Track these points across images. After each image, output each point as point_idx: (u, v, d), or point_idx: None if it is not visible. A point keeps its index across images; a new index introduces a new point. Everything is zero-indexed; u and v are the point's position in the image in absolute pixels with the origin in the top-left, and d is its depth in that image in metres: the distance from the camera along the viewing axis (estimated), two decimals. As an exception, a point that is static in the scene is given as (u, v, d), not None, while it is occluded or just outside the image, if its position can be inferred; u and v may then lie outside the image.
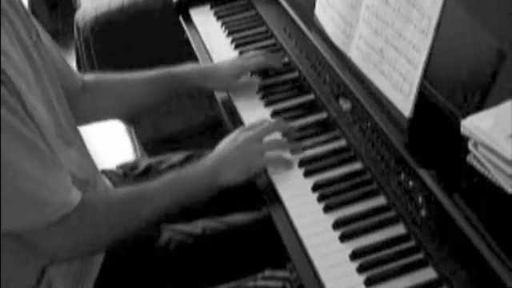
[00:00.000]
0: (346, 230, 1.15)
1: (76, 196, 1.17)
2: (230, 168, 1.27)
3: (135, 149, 2.72)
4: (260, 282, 1.33)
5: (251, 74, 1.57)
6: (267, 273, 1.34)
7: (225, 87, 1.55)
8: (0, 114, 1.05)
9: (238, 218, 1.47)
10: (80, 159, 1.33)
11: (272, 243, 1.22)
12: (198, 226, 1.44)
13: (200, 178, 1.28)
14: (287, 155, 1.32)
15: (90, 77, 1.52)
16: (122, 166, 1.61)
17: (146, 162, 1.64)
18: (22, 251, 1.21)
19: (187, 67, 1.56)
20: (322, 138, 1.36)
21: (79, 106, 1.46)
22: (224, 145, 1.32)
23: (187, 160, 1.61)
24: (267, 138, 1.33)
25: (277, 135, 1.35)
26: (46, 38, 1.37)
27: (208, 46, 1.74)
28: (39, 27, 1.35)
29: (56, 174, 1.15)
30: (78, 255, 1.27)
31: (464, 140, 1.05)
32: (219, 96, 1.57)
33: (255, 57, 1.56)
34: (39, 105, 1.20)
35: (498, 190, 1.00)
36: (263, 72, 1.57)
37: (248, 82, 1.55)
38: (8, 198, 1.08)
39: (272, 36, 1.68)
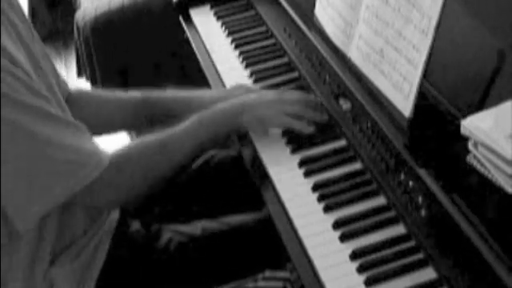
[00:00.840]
0: (346, 229, 1.15)
1: (106, 155, 1.22)
2: (251, 114, 1.33)
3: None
4: (260, 283, 1.33)
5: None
6: (267, 273, 1.34)
7: None
8: (26, 100, 1.11)
9: (238, 218, 1.47)
10: None
11: (272, 243, 1.22)
12: (198, 227, 1.44)
13: (220, 123, 1.34)
14: (287, 155, 1.33)
15: (74, 90, 1.52)
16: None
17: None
18: (25, 252, 1.21)
19: (167, 94, 1.53)
20: (322, 137, 1.36)
21: None
22: (251, 94, 1.38)
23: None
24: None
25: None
26: (39, 43, 1.36)
27: (208, 46, 1.74)
28: (34, 33, 1.36)
29: (85, 138, 1.22)
30: (124, 202, 1.34)
31: (464, 140, 1.05)
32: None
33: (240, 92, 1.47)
34: None
35: (498, 190, 1.00)
36: (264, 76, 1.57)
37: None
38: (49, 172, 1.15)
39: (272, 36, 1.68)
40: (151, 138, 1.32)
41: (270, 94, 1.39)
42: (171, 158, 1.30)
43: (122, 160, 1.26)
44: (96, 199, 1.25)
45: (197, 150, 1.33)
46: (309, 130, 1.34)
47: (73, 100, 1.48)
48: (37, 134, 1.14)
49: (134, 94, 1.53)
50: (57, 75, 1.43)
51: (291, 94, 1.40)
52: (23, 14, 1.31)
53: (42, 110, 1.15)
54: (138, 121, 1.54)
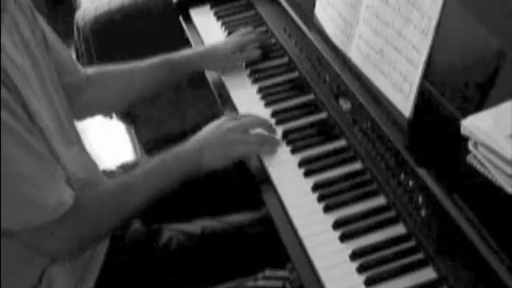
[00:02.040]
0: (346, 229, 1.15)
1: (70, 195, 1.18)
2: (211, 153, 1.31)
3: (135, 149, 2.72)
4: (260, 282, 1.33)
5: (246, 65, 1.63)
6: (267, 272, 1.34)
7: (226, 65, 1.60)
8: (0, 116, 1.06)
9: (238, 217, 1.47)
10: (82, 158, 1.34)
11: (272, 243, 1.22)
12: (197, 226, 1.44)
13: (184, 162, 1.31)
14: (287, 155, 1.33)
15: (93, 70, 1.55)
16: (122, 166, 1.61)
17: (146, 162, 1.64)
18: (23, 250, 1.21)
19: (186, 51, 1.59)
20: (322, 137, 1.36)
21: (84, 99, 1.49)
22: (208, 130, 1.35)
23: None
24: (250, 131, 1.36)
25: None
26: (52, 36, 1.39)
27: (208, 46, 1.74)
28: (47, 27, 1.37)
29: (52, 175, 1.16)
30: (79, 249, 1.29)
31: (464, 140, 1.05)
32: (220, 99, 1.57)
33: (248, 33, 1.63)
34: (41, 106, 1.20)
35: (498, 190, 1.00)
36: (264, 75, 1.58)
37: (246, 56, 1.61)
38: (6, 197, 1.10)
39: (272, 36, 1.68)
40: (112, 182, 1.32)
41: (225, 125, 1.34)
42: (131, 201, 1.28)
43: (80, 205, 1.20)
44: (48, 241, 1.19)
45: (160, 191, 1.30)
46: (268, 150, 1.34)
47: (94, 81, 1.52)
48: (10, 160, 1.09)
49: (152, 60, 1.56)
50: (73, 62, 1.47)
51: (246, 118, 1.38)
52: (32, 11, 1.31)
53: (21, 138, 1.11)
54: (167, 83, 1.59)
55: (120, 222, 1.30)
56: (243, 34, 1.64)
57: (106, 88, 1.54)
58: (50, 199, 1.15)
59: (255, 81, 1.58)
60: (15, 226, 1.15)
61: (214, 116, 1.43)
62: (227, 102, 1.55)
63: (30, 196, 1.13)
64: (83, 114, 1.53)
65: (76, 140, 1.36)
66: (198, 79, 1.78)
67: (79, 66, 1.51)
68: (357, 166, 1.27)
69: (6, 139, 1.08)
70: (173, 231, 1.43)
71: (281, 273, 1.32)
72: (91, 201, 1.24)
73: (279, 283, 1.31)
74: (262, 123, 1.37)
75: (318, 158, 1.31)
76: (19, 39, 1.21)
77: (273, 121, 1.43)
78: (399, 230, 1.13)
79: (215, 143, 1.32)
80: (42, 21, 1.36)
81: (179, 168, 1.31)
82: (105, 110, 1.66)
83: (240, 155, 1.34)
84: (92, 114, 1.58)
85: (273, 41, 1.68)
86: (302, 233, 1.17)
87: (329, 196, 1.22)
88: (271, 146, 1.34)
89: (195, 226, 1.44)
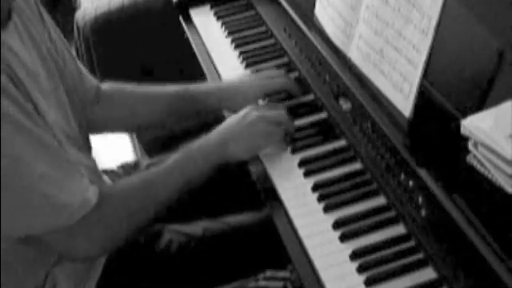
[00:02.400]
0: (346, 229, 1.15)
1: (94, 193, 1.16)
2: (237, 144, 1.28)
3: (135, 149, 2.72)
4: (261, 283, 1.33)
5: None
6: (268, 273, 1.34)
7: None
8: (17, 118, 1.05)
9: (239, 218, 1.47)
10: (90, 165, 1.33)
11: (273, 243, 1.22)
12: (198, 227, 1.44)
13: (209, 155, 1.27)
14: (287, 154, 1.33)
15: (105, 85, 1.49)
16: (123, 166, 1.62)
17: (146, 161, 1.64)
18: (31, 252, 1.21)
19: (205, 86, 1.50)
20: (322, 137, 1.36)
21: (92, 114, 1.45)
22: (234, 120, 1.31)
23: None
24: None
25: None
26: (61, 40, 1.36)
27: (208, 46, 1.74)
28: (55, 28, 1.35)
29: (73, 174, 1.14)
30: (104, 251, 1.27)
31: (464, 140, 1.05)
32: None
33: (278, 77, 1.48)
34: (51, 108, 1.19)
35: (498, 190, 1.00)
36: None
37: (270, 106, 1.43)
38: (28, 202, 1.08)
39: (272, 36, 1.68)
40: (135, 177, 1.27)
41: (250, 115, 1.30)
42: (157, 197, 1.24)
43: (104, 202, 1.17)
44: (75, 242, 1.16)
45: (187, 185, 1.26)
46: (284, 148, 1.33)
47: (104, 98, 1.46)
48: (31, 164, 1.07)
49: (169, 87, 1.48)
50: (79, 70, 1.41)
51: (272, 110, 1.34)
52: (39, 12, 1.30)
53: (40, 140, 1.09)
54: (179, 115, 1.50)
55: (145, 221, 1.24)
56: (272, 76, 1.48)
57: (114, 108, 1.47)
58: (74, 199, 1.12)
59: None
60: (39, 230, 1.12)
61: (215, 117, 1.42)
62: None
63: (51, 196, 1.09)
64: (90, 130, 1.45)
65: (84, 147, 1.35)
66: (198, 79, 1.77)
67: (89, 79, 1.45)
68: (357, 166, 1.27)
69: (25, 140, 1.06)
70: (174, 232, 1.43)
71: (282, 273, 1.33)
72: (115, 196, 1.21)
73: (280, 284, 1.31)
74: (287, 120, 1.34)
75: (318, 158, 1.31)
76: (27, 36, 1.20)
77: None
78: (399, 230, 1.13)
79: (240, 134, 1.28)
80: (49, 21, 1.33)
81: (204, 159, 1.27)
82: (111, 129, 1.56)
83: (266, 147, 1.31)
84: (98, 131, 1.51)
85: (273, 40, 1.68)
86: (302, 233, 1.17)
87: (329, 196, 1.22)
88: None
89: (196, 227, 1.44)
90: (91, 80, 1.46)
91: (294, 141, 1.36)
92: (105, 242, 1.20)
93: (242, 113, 1.32)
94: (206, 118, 1.49)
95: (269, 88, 1.45)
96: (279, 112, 1.34)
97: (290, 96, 1.49)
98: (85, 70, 1.45)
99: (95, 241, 1.18)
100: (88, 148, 1.37)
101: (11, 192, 1.07)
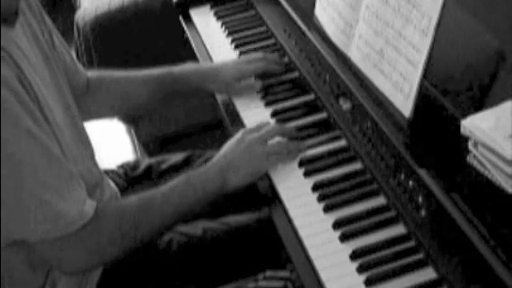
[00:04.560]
0: (346, 229, 1.15)
1: (91, 206, 1.16)
2: (236, 172, 1.27)
3: (135, 149, 2.72)
4: (261, 283, 1.33)
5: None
6: (268, 273, 1.34)
7: (225, 90, 1.53)
8: (27, 125, 1.06)
9: (239, 218, 1.47)
10: (89, 162, 1.33)
11: (273, 243, 1.22)
12: (198, 227, 1.44)
13: (209, 185, 1.27)
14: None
15: (92, 74, 1.53)
16: (123, 166, 1.62)
17: (146, 161, 1.64)
18: (31, 257, 1.21)
19: (187, 67, 1.55)
20: (322, 137, 1.36)
21: (84, 103, 1.47)
22: (229, 147, 1.32)
23: (187, 160, 1.61)
24: (270, 141, 1.32)
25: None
26: (56, 36, 1.38)
27: (208, 46, 1.74)
28: (51, 26, 1.37)
29: (73, 184, 1.14)
30: (92, 266, 1.26)
31: (464, 140, 1.05)
32: (219, 96, 1.57)
33: (257, 60, 1.53)
34: (56, 106, 1.20)
35: (498, 190, 1.00)
36: (264, 75, 1.57)
37: (249, 86, 1.53)
38: (25, 206, 1.08)
39: (272, 36, 1.68)
40: (134, 197, 1.27)
41: (247, 138, 1.31)
42: (153, 219, 1.24)
43: (100, 216, 1.18)
44: (65, 254, 1.16)
45: (183, 211, 1.27)
46: (303, 148, 1.33)
47: (93, 86, 1.50)
48: (31, 169, 1.08)
49: (153, 70, 1.53)
50: (75, 64, 1.44)
51: (267, 129, 1.34)
52: (40, 13, 1.31)
53: (46, 148, 1.10)
54: (164, 96, 1.55)
55: (136, 242, 1.24)
56: (251, 60, 1.54)
57: (104, 94, 1.51)
58: (71, 209, 1.12)
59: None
60: (34, 236, 1.12)
61: (215, 117, 1.43)
62: (227, 103, 1.54)
63: (50, 203, 1.10)
64: (85, 118, 1.51)
65: (86, 142, 1.36)
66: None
67: (81, 69, 1.49)
68: (357, 166, 1.27)
69: (28, 145, 1.07)
70: (173, 233, 1.43)
71: (282, 273, 1.32)
72: (111, 213, 1.21)
73: (280, 284, 1.31)
74: (283, 132, 1.34)
75: (318, 158, 1.31)
76: (31, 35, 1.21)
77: (273, 121, 1.43)
78: (399, 230, 1.13)
79: (239, 161, 1.28)
80: (47, 20, 1.35)
81: (203, 189, 1.27)
82: (102, 115, 1.60)
83: (266, 169, 1.30)
84: (90, 118, 1.54)
85: (273, 40, 1.68)
86: (302, 233, 1.17)
87: (329, 196, 1.22)
88: (296, 152, 1.32)
89: (196, 228, 1.44)
90: (83, 72, 1.49)
91: (294, 141, 1.36)
92: (94, 257, 1.21)
93: (234, 140, 1.32)
94: (188, 96, 1.62)
95: (246, 70, 1.52)
96: (269, 128, 1.34)
97: (290, 96, 1.49)
98: (78, 64, 1.48)
99: (85, 255, 1.19)
100: (88, 144, 1.38)
101: (11, 194, 1.07)
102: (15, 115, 1.05)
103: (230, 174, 1.27)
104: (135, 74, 1.54)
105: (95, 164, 1.39)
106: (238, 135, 1.33)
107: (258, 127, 1.35)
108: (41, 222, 1.11)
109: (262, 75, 1.57)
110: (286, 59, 1.58)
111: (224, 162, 1.29)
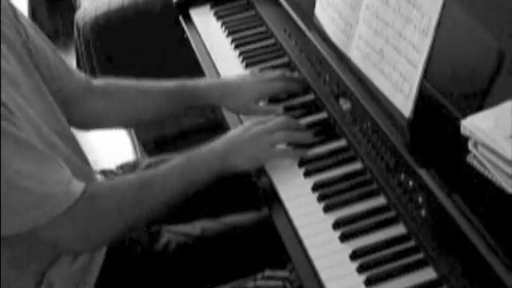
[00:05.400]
0: (346, 229, 1.15)
1: (77, 187, 1.15)
2: (239, 154, 1.27)
3: (135, 149, 2.72)
4: (260, 282, 1.33)
5: None
6: (267, 273, 1.34)
7: (242, 111, 1.47)
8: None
9: (238, 218, 1.47)
10: (78, 164, 1.33)
11: (272, 243, 1.22)
12: (197, 227, 1.44)
13: (210, 162, 1.27)
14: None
15: (98, 81, 1.49)
16: (122, 166, 1.61)
17: (146, 162, 1.64)
18: (19, 257, 1.21)
19: (205, 83, 1.50)
20: (322, 137, 1.36)
21: (86, 108, 1.45)
22: (236, 131, 1.31)
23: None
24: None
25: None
26: (41, 37, 1.34)
27: (208, 46, 1.74)
28: (32, 25, 1.32)
29: (52, 167, 1.13)
30: (93, 246, 1.26)
31: (464, 140, 1.05)
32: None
33: (276, 80, 1.47)
34: (36, 112, 1.18)
35: (498, 190, 1.00)
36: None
37: (268, 110, 1.44)
38: (8, 199, 1.08)
39: (272, 36, 1.68)
40: (133, 175, 1.26)
41: (254, 128, 1.30)
42: (153, 197, 1.23)
43: (96, 194, 1.18)
44: (63, 235, 1.16)
45: (184, 190, 1.26)
46: (309, 139, 1.33)
47: (100, 93, 1.46)
48: (6, 161, 1.06)
49: (170, 83, 1.48)
50: (65, 67, 1.40)
51: (274, 121, 1.32)
52: (14, 12, 1.27)
53: (8, 133, 1.07)
54: (177, 109, 1.50)
55: (137, 221, 1.24)
56: (272, 79, 1.46)
57: (111, 102, 1.47)
58: (55, 191, 1.12)
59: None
60: (25, 226, 1.12)
61: (215, 117, 1.43)
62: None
63: (31, 191, 1.09)
64: (83, 125, 1.48)
65: (74, 144, 1.34)
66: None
67: (77, 74, 1.45)
68: (357, 166, 1.27)
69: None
70: (172, 232, 1.43)
71: (281, 273, 1.32)
72: (109, 192, 1.21)
73: (279, 283, 1.31)
74: (291, 125, 1.34)
75: (318, 157, 1.31)
76: (5, 41, 1.19)
77: (273, 121, 1.43)
78: (399, 230, 1.13)
79: (242, 145, 1.27)
80: (23, 18, 1.30)
81: (205, 166, 1.26)
82: (106, 124, 1.54)
83: (269, 158, 1.30)
84: (94, 125, 1.51)
85: (273, 40, 1.68)
86: (302, 233, 1.17)
87: (329, 196, 1.22)
88: (305, 141, 1.32)
89: (194, 228, 1.44)
90: (79, 75, 1.45)
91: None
92: (92, 236, 1.20)
93: (244, 126, 1.32)
94: (203, 113, 1.47)
95: (269, 91, 1.46)
96: (277, 121, 1.33)
97: (289, 96, 1.49)
98: (72, 67, 1.44)
99: (82, 233, 1.18)
100: (75, 144, 1.36)
101: None
102: None
103: (233, 155, 1.27)
104: (146, 84, 1.49)
105: (86, 164, 1.37)
106: (246, 124, 1.32)
107: (267, 119, 1.33)
108: (26, 210, 1.10)
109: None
110: (286, 59, 1.58)
111: (227, 143, 1.28)
